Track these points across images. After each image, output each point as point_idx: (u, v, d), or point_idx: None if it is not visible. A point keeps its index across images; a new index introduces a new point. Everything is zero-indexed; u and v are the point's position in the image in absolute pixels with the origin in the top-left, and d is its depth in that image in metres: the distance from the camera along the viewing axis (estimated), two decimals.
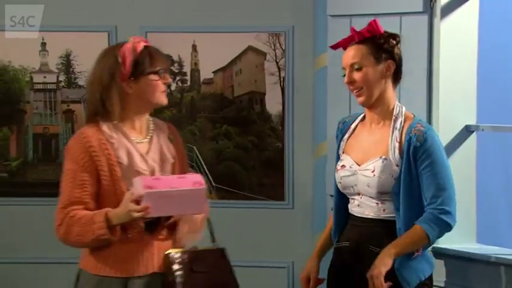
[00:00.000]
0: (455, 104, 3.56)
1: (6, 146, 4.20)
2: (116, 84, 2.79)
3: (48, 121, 4.18)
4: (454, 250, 3.50)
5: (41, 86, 4.17)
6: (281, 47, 4.06)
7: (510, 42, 4.41)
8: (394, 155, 2.94)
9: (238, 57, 4.09)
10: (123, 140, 2.81)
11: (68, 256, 4.14)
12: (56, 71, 4.16)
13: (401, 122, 2.97)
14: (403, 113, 3.00)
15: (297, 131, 4.08)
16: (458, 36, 3.55)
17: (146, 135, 2.88)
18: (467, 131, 3.58)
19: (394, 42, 2.95)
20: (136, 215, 2.70)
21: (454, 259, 3.50)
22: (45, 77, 4.16)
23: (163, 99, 2.87)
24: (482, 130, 3.57)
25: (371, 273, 2.85)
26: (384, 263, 2.85)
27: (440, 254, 3.54)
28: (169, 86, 3.02)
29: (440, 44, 3.50)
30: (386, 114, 2.99)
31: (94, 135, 2.78)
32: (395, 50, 2.95)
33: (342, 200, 3.07)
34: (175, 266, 2.84)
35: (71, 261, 4.14)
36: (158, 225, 2.86)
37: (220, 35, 4.03)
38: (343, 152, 3.05)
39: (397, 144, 2.95)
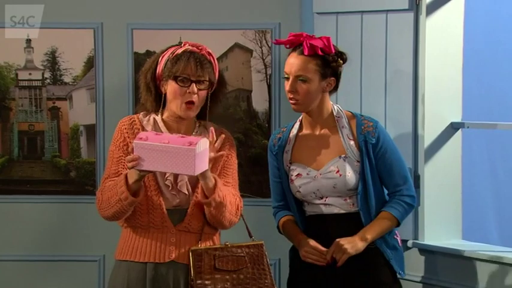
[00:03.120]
0: (441, 101, 3.57)
1: None
2: (149, 81, 2.91)
3: (33, 118, 4.16)
4: (440, 247, 3.51)
5: (26, 83, 4.15)
6: (267, 44, 4.06)
7: (496, 39, 4.44)
8: (353, 152, 3.01)
9: (225, 54, 4.08)
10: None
11: (53, 254, 4.16)
12: (42, 68, 4.14)
13: (345, 120, 3.04)
14: (343, 111, 3.08)
15: None
16: (444, 33, 3.56)
17: None
18: (452, 128, 3.59)
19: (341, 62, 3.01)
20: (128, 165, 2.77)
21: (439, 255, 3.51)
22: (30, 74, 4.14)
23: (182, 111, 2.90)
24: (468, 127, 3.58)
25: (344, 247, 2.97)
26: (357, 248, 2.99)
27: (425, 250, 3.56)
28: None
29: (426, 41, 3.51)
30: (328, 118, 3.07)
31: (130, 121, 2.95)
32: (341, 69, 3.01)
33: (299, 208, 3.12)
34: (197, 262, 2.87)
35: (56, 259, 4.16)
36: (184, 217, 2.91)
37: (206, 32, 4.03)
38: (290, 163, 3.08)
39: (351, 142, 3.02)
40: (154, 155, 2.71)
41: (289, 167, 3.10)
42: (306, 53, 2.98)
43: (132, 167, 2.75)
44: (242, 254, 2.93)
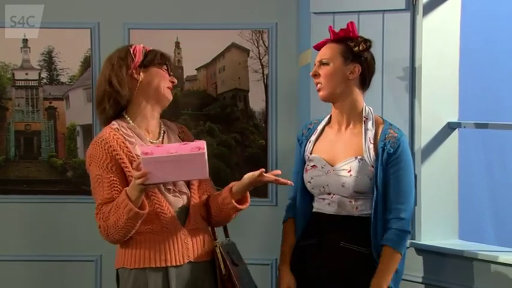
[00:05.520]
0: (438, 101, 3.57)
1: None
2: (127, 69, 2.93)
3: (30, 118, 4.16)
4: (436, 246, 3.51)
5: (22, 83, 4.15)
6: (264, 44, 4.06)
7: (492, 39, 4.44)
8: (370, 156, 3.00)
9: (222, 54, 4.08)
10: (138, 141, 2.93)
11: (50, 254, 4.16)
12: (38, 67, 4.14)
13: (372, 123, 3.03)
14: (373, 115, 3.05)
15: (280, 128, 4.08)
16: (441, 33, 3.56)
17: (158, 136, 3.00)
18: (449, 128, 3.59)
19: (365, 46, 3.01)
20: (137, 181, 2.77)
21: (436, 255, 3.52)
22: (27, 73, 4.14)
23: (169, 94, 3.01)
24: (464, 127, 3.59)
25: None
26: None
27: (422, 250, 3.56)
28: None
29: (423, 41, 3.51)
30: (355, 116, 3.06)
31: (111, 136, 2.90)
32: (365, 55, 3.02)
33: (305, 201, 3.11)
34: (226, 259, 2.96)
35: (53, 258, 4.16)
36: (187, 215, 2.95)
37: (203, 31, 4.03)
38: (311, 153, 3.09)
39: (371, 146, 3.01)
40: (165, 166, 2.75)
41: (309, 157, 3.11)
42: (331, 37, 3.05)
43: (142, 183, 2.77)
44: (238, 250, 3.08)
